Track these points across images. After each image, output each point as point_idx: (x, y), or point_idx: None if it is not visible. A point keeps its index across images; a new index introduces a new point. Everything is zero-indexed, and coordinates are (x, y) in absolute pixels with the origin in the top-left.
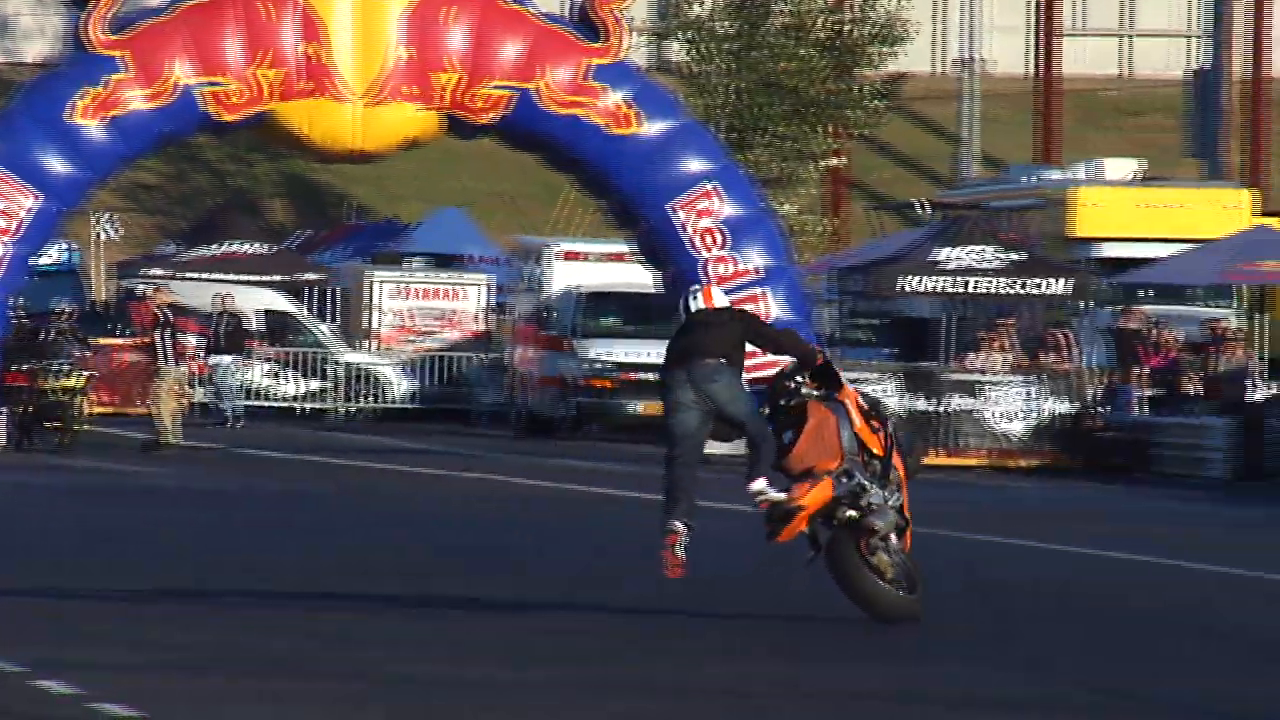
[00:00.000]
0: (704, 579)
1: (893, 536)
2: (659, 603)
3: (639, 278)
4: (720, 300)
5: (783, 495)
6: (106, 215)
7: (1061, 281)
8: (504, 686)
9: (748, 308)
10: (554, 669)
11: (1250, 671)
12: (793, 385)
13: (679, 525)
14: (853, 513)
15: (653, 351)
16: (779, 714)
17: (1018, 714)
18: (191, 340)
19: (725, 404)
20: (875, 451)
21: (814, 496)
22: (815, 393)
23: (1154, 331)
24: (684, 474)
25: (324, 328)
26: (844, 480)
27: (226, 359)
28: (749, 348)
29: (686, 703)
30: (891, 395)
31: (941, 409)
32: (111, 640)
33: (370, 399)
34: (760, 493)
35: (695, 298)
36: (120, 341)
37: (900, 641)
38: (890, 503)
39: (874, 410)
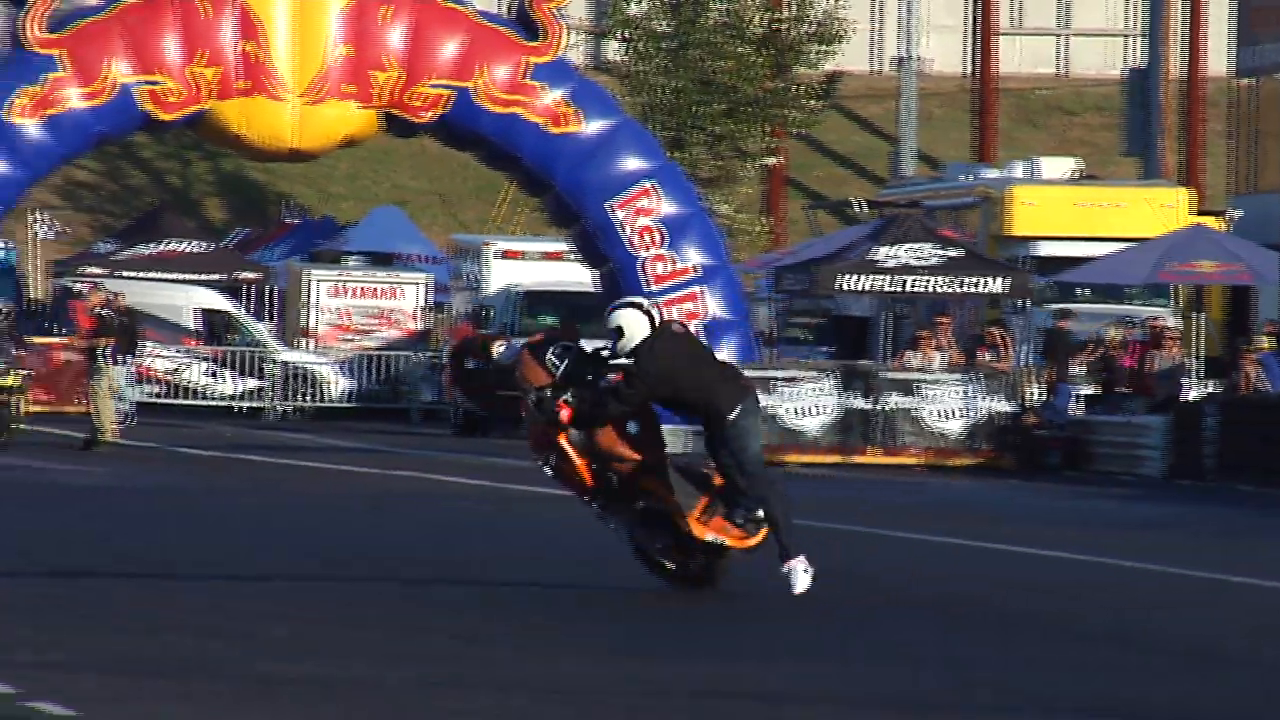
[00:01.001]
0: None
1: None
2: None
3: (576, 276)
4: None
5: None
6: (46, 216)
7: (998, 280)
8: (389, 686)
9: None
10: (456, 669)
11: (1178, 672)
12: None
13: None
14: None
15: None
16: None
17: (922, 714)
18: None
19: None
20: None
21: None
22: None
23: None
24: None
25: (261, 326)
26: None
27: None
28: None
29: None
30: (830, 394)
31: (879, 407)
32: (43, 639)
33: (307, 397)
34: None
35: (654, 311)
36: (57, 340)
37: (806, 640)
38: None
39: None
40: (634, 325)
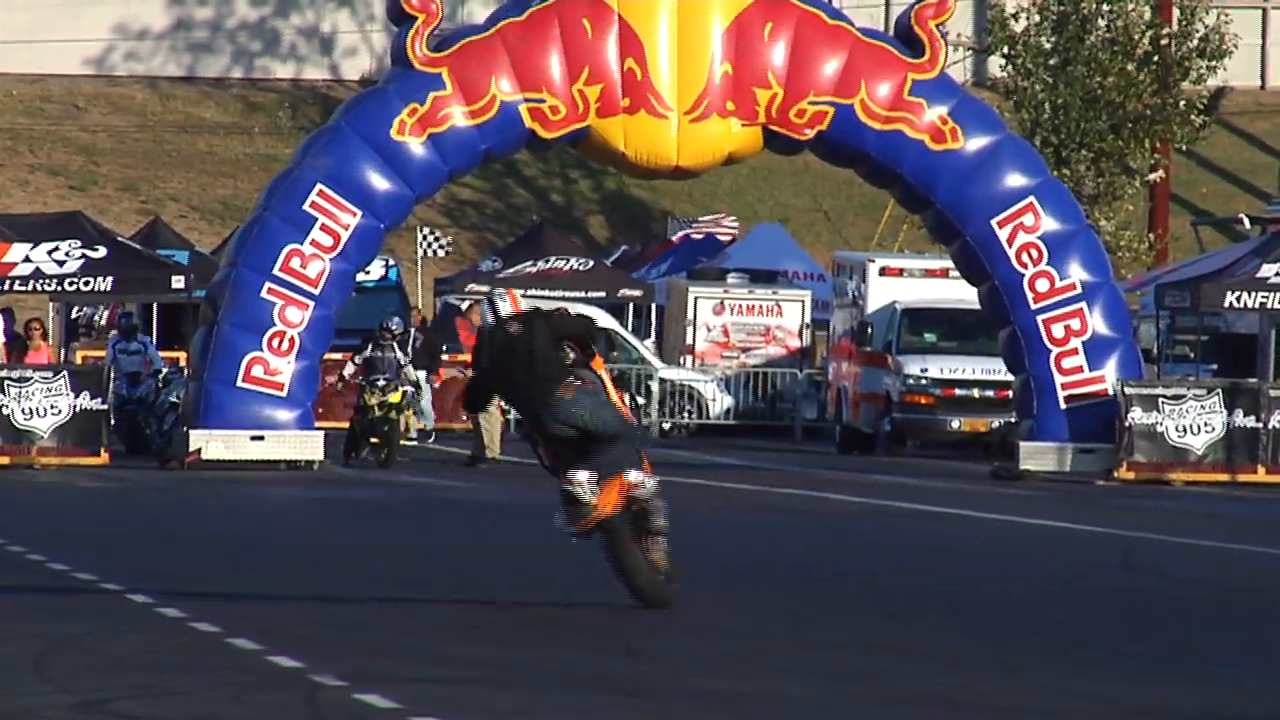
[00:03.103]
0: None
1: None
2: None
3: (959, 293)
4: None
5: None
6: (435, 233)
7: None
8: (796, 700)
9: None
10: (856, 683)
11: None
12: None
13: None
14: (639, 511)
15: (974, 367)
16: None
17: None
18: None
19: None
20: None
21: (610, 500)
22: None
23: None
24: None
25: (643, 344)
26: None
27: (421, 374)
28: None
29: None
30: (1216, 412)
31: (1265, 425)
32: (426, 654)
33: (688, 414)
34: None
35: (499, 303)
36: (444, 357)
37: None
38: (651, 488)
39: (617, 377)
40: (483, 315)
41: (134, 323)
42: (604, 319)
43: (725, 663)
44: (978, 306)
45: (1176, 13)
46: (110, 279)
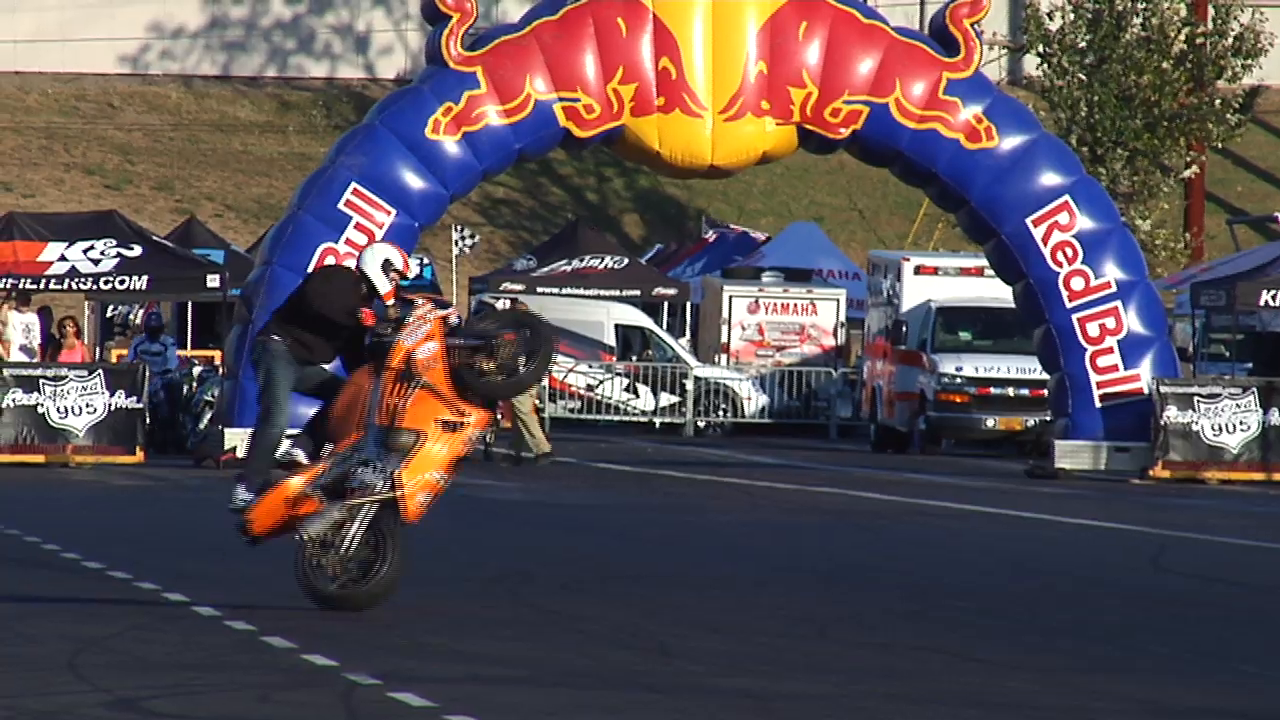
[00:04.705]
0: None
1: (352, 526)
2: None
3: (993, 291)
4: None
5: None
6: (466, 231)
7: None
8: (822, 700)
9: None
10: (884, 682)
11: None
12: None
13: None
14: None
15: (1009, 366)
16: None
17: None
18: None
19: None
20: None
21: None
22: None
23: None
24: None
25: (678, 342)
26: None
27: None
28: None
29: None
30: (1251, 410)
31: None
32: (459, 653)
33: (723, 413)
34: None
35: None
36: None
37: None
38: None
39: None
40: None
41: (161, 323)
42: (639, 318)
43: (753, 662)
44: (1012, 305)
45: (1211, 11)
46: (146, 278)
